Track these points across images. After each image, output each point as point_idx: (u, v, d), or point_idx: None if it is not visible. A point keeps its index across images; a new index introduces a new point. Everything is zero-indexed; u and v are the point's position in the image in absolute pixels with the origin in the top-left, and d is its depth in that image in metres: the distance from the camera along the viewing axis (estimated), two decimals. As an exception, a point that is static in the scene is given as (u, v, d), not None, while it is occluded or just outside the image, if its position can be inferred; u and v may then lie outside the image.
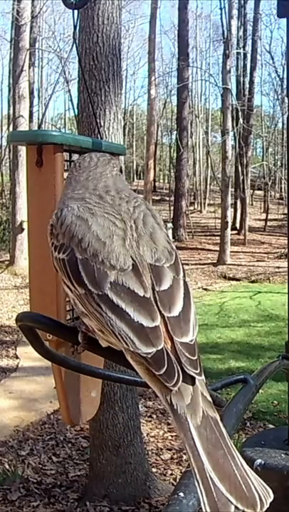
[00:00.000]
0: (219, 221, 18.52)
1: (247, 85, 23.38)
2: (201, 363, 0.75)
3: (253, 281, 14.64)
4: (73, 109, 15.31)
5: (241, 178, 21.67)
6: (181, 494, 0.71)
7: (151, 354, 0.72)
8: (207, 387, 0.76)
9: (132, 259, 0.81)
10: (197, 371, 0.73)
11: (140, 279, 0.79)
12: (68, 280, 0.84)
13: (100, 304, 0.78)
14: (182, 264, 0.86)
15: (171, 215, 21.20)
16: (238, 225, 22.34)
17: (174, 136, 25.74)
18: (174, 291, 0.80)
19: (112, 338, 0.78)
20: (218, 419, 0.71)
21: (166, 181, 29.44)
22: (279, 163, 32.22)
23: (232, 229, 19.46)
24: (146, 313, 0.76)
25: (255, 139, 32.30)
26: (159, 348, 0.73)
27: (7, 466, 4.63)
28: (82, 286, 0.80)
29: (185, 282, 0.82)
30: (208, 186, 30.52)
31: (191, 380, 0.72)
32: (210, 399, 0.73)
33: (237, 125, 19.35)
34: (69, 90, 15.18)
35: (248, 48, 23.79)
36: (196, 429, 0.68)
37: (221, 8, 19.70)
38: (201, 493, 0.63)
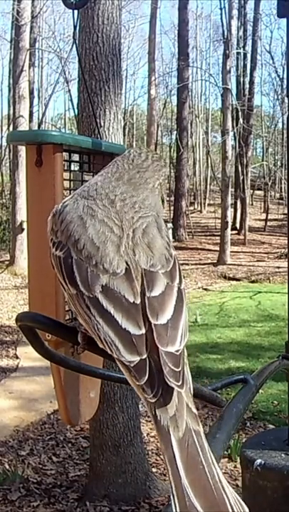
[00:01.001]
0: (219, 221, 18.53)
1: (247, 85, 23.38)
2: (185, 374, 0.73)
3: (253, 281, 14.64)
4: (73, 109, 15.32)
5: (241, 178, 21.67)
6: (181, 494, 0.71)
7: (134, 363, 0.71)
8: (194, 393, 0.75)
9: (126, 263, 0.80)
10: (179, 383, 0.71)
11: (132, 285, 0.78)
12: (62, 279, 0.83)
13: (90, 306, 0.77)
14: (180, 272, 0.84)
15: (171, 215, 21.20)
16: (238, 225, 22.34)
17: (174, 136, 25.74)
18: (165, 298, 0.78)
19: (98, 342, 0.77)
20: (202, 432, 0.70)
21: (166, 181, 29.49)
22: (279, 163, 32.23)
23: (232, 229, 19.47)
24: (134, 320, 0.75)
25: (255, 139, 32.32)
26: (143, 356, 0.72)
27: (7, 466, 4.63)
28: (74, 286, 0.80)
29: (179, 289, 0.81)
30: (208, 186, 30.52)
31: (176, 391, 0.71)
32: (195, 411, 0.72)
33: (237, 125, 19.35)
34: (69, 90, 15.18)
35: (248, 48, 23.80)
36: (177, 443, 0.67)
37: (221, 8, 19.72)
38: (175, 507, 0.63)
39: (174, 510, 0.63)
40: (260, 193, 30.45)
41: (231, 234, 18.27)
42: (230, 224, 18.18)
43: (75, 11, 1.89)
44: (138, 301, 0.76)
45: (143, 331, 0.74)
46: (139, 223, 0.86)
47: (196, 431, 0.69)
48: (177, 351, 0.74)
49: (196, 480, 0.65)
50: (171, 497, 0.64)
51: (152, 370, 0.71)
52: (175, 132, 22.92)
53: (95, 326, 0.76)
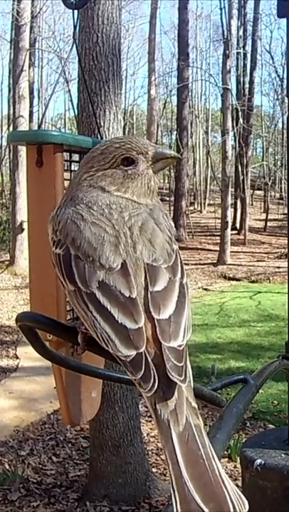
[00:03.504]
0: (219, 221, 18.53)
1: (247, 85, 23.38)
2: (187, 369, 0.74)
3: (253, 281, 14.64)
4: (73, 109, 15.32)
5: (241, 178, 21.67)
6: (181, 494, 0.71)
7: (130, 357, 0.72)
8: (194, 393, 0.74)
9: (123, 259, 0.80)
10: (181, 378, 0.71)
11: (127, 279, 0.78)
12: (62, 276, 0.84)
13: (87, 302, 0.77)
14: (182, 266, 0.84)
15: (171, 215, 21.20)
16: (238, 225, 22.34)
17: (174, 136, 25.73)
18: (167, 293, 0.78)
19: (95, 337, 0.77)
20: (202, 426, 0.70)
21: (166, 181, 29.50)
22: (279, 163, 32.22)
23: (232, 229, 19.47)
24: (129, 315, 0.75)
25: (255, 139, 32.31)
26: (140, 350, 0.72)
27: (7, 466, 4.63)
28: (73, 283, 0.80)
29: (182, 284, 0.81)
30: (208, 186, 30.51)
31: (176, 386, 0.71)
32: (195, 405, 0.72)
33: (237, 125, 19.35)
34: (69, 90, 15.18)
35: (248, 48, 23.80)
36: (177, 437, 0.68)
37: (221, 8, 19.75)
38: (176, 501, 0.64)
39: (173, 502, 0.64)
40: (260, 193, 30.43)
41: (231, 234, 18.27)
42: (230, 224, 18.18)
43: (75, 11, 1.89)
44: (134, 296, 0.76)
45: (140, 325, 0.74)
46: (132, 221, 0.85)
47: (196, 425, 0.69)
48: (180, 346, 0.74)
49: (196, 474, 0.65)
50: (171, 490, 0.64)
51: (149, 364, 0.71)
52: (175, 132, 22.91)
53: (92, 322, 0.76)
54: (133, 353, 0.72)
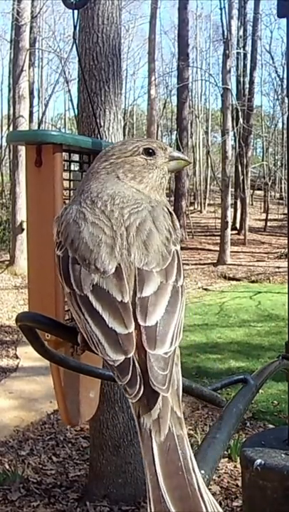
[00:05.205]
0: (219, 221, 18.53)
1: (247, 85, 23.39)
2: (172, 377, 0.72)
3: (253, 281, 14.64)
4: (73, 109, 15.32)
5: (241, 178, 21.67)
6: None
7: (118, 362, 0.71)
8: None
9: (118, 263, 0.79)
10: (164, 387, 0.69)
11: (120, 283, 0.77)
12: (60, 277, 0.84)
13: (80, 305, 0.77)
14: (180, 268, 0.82)
15: (171, 215, 21.16)
16: (238, 225, 22.35)
17: (174, 136, 25.73)
18: (157, 298, 0.77)
19: (87, 340, 0.77)
20: (185, 437, 0.69)
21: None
22: (279, 163, 32.23)
23: (232, 229, 19.47)
24: (120, 320, 0.74)
25: (255, 139, 32.32)
26: (128, 356, 0.71)
27: (7, 466, 4.63)
28: (68, 285, 0.80)
29: (175, 288, 0.79)
30: (208, 186, 30.52)
31: (161, 394, 0.70)
32: (180, 415, 0.71)
33: (237, 125, 19.35)
34: (69, 90, 15.18)
35: (248, 48, 23.80)
36: (158, 447, 0.66)
37: (221, 8, 19.78)
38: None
39: None
40: (260, 193, 30.44)
41: (231, 234, 18.28)
42: (230, 224, 18.19)
43: (75, 11, 1.89)
44: (126, 300, 0.76)
45: (130, 330, 0.73)
46: (131, 220, 0.84)
47: (178, 436, 0.68)
48: (166, 353, 0.72)
49: (173, 485, 0.64)
50: (147, 501, 0.63)
51: (136, 370, 0.70)
52: (175, 132, 22.89)
53: (84, 325, 0.76)
54: (121, 358, 0.71)
